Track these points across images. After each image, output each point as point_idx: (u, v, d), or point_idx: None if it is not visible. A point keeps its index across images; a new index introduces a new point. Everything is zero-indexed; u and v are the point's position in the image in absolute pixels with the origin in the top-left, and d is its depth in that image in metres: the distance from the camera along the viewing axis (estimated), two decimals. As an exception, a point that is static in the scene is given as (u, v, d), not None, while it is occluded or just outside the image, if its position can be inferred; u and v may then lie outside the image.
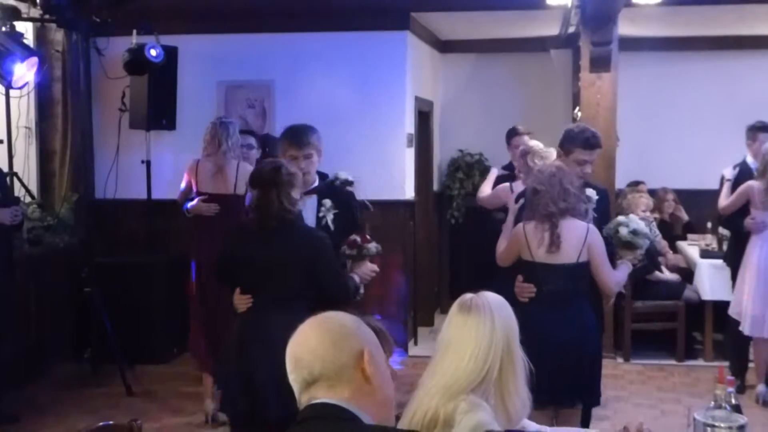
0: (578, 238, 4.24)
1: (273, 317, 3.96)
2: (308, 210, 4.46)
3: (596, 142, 4.66)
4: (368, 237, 4.44)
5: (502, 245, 4.65)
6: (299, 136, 4.52)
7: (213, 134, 6.10)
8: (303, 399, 1.99)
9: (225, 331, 5.73)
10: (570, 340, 4.23)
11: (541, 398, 3.79)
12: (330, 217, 4.53)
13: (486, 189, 6.63)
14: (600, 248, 4.29)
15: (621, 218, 4.55)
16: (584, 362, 4.29)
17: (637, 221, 4.53)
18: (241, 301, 4.22)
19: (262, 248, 4.07)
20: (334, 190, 4.88)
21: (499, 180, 6.58)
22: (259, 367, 3.97)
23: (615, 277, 4.41)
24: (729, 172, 6.95)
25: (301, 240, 4.09)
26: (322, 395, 1.94)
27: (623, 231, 4.43)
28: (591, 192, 4.61)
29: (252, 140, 6.55)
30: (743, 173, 6.67)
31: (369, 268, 4.40)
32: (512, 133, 7.00)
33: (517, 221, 4.59)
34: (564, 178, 4.29)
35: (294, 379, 1.99)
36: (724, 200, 6.65)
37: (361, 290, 4.44)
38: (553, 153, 5.44)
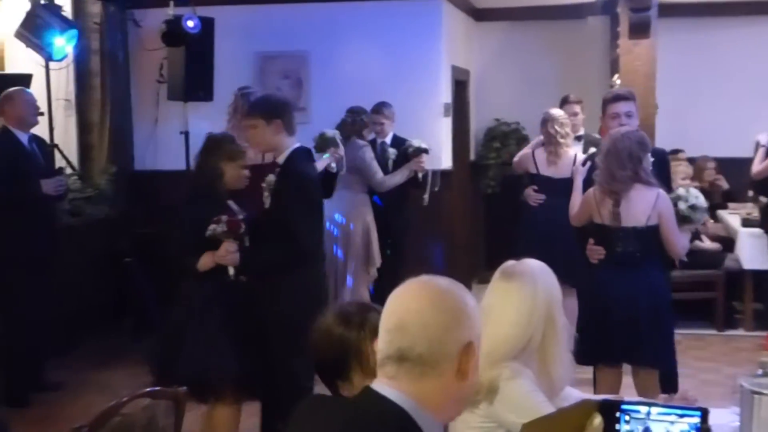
0: (647, 202, 4.27)
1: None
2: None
3: (622, 93, 4.82)
4: (233, 219, 4.26)
5: (575, 207, 4.79)
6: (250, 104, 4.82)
7: (235, 106, 5.88)
8: (385, 368, 1.74)
9: None
10: (641, 301, 4.30)
11: (613, 355, 4.29)
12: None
13: (520, 153, 6.79)
14: (669, 213, 4.32)
15: (681, 191, 4.55)
16: (657, 323, 4.36)
17: (697, 195, 4.52)
18: None
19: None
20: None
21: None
22: (178, 325, 4.40)
23: (683, 242, 4.46)
24: (764, 138, 6.83)
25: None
26: (403, 381, 1.70)
27: (682, 206, 4.44)
28: None
29: None
30: None
31: (223, 248, 4.27)
32: (562, 102, 7.04)
33: (585, 182, 4.80)
34: (621, 147, 4.26)
35: (388, 339, 1.73)
36: (757, 166, 6.56)
37: (231, 271, 4.30)
38: (573, 121, 6.30)
